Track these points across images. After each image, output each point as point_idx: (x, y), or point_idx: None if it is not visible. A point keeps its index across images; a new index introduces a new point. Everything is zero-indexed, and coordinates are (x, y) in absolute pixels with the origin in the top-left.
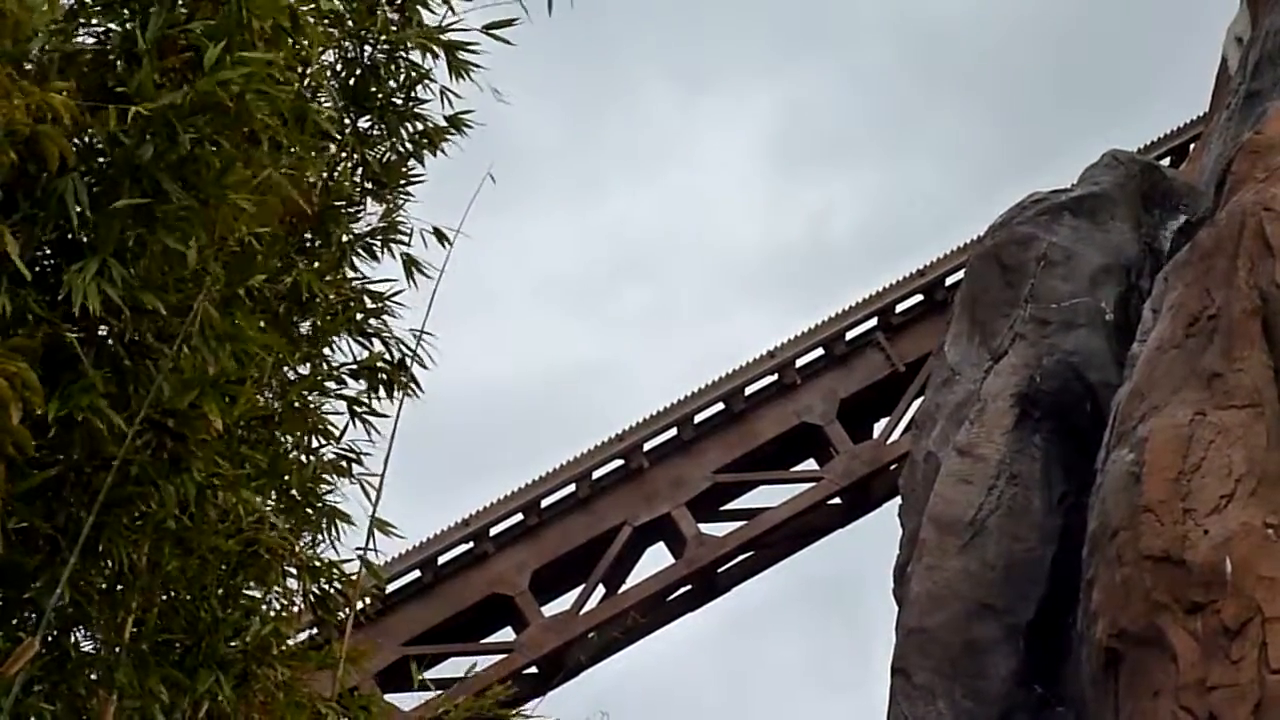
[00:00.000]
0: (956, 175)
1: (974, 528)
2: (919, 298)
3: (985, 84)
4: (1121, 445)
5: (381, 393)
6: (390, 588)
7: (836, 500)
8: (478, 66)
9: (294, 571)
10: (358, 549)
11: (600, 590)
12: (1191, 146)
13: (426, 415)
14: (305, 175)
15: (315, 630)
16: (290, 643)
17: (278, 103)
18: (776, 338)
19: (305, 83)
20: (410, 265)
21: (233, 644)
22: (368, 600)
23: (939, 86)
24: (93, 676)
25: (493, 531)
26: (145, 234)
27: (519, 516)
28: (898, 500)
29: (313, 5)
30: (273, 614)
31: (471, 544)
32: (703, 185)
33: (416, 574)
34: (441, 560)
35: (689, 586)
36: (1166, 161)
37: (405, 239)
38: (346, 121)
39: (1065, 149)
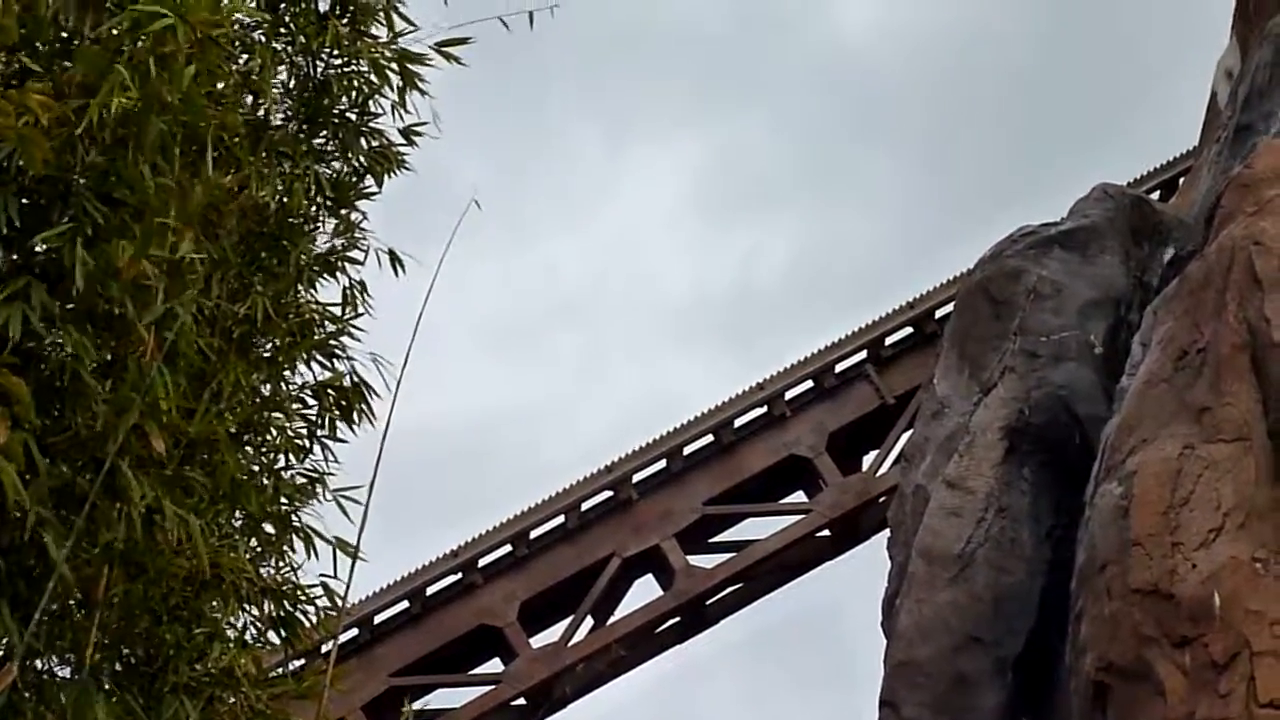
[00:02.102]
0: (884, 221)
1: (963, 560)
2: (908, 330)
3: (913, 131)
4: (1110, 478)
5: (339, 417)
6: (378, 618)
7: (825, 532)
8: (428, 81)
9: (257, 594)
10: (321, 575)
11: (589, 622)
12: (1181, 180)
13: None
14: (259, 193)
15: (302, 660)
16: (254, 669)
17: (226, 119)
18: (706, 382)
19: (258, 100)
20: (358, 290)
21: (196, 668)
22: (353, 630)
23: (866, 133)
24: (47, 705)
25: (481, 562)
26: (72, 253)
27: (508, 548)
28: (886, 533)
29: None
30: (235, 637)
31: (460, 575)
32: (631, 231)
33: (405, 604)
34: (430, 591)
35: (678, 618)
36: (1156, 195)
37: (360, 260)
38: (301, 138)
39: (996, 194)
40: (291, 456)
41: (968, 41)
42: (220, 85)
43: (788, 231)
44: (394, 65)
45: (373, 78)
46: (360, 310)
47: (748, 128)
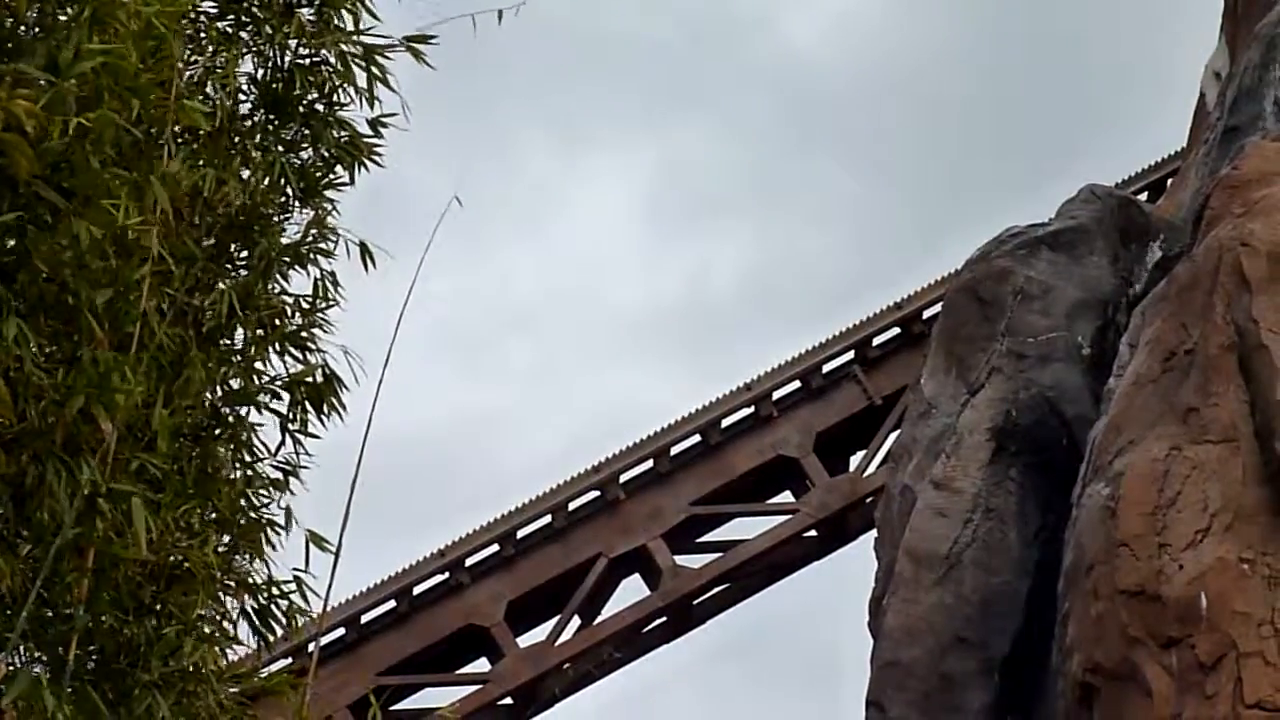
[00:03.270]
0: (835, 232)
1: (949, 561)
2: (896, 331)
3: (862, 140)
4: (1097, 480)
5: (310, 411)
6: (365, 617)
7: (812, 533)
8: (394, 75)
9: (230, 587)
10: (295, 569)
11: (576, 621)
12: (1169, 181)
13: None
14: (225, 186)
15: (289, 659)
16: (221, 665)
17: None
18: (658, 392)
19: (223, 89)
20: (329, 282)
21: (169, 664)
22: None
23: (817, 145)
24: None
25: (468, 562)
26: (23, 245)
27: (495, 547)
28: (873, 533)
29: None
30: (209, 631)
31: (447, 574)
32: (582, 241)
33: (392, 604)
34: (417, 590)
35: (665, 618)
36: (1144, 196)
37: (330, 251)
38: (270, 128)
39: (950, 207)
40: (262, 451)
41: (920, 56)
42: (183, 79)
43: (739, 241)
44: (359, 60)
45: (339, 68)
46: (331, 301)
47: (698, 137)
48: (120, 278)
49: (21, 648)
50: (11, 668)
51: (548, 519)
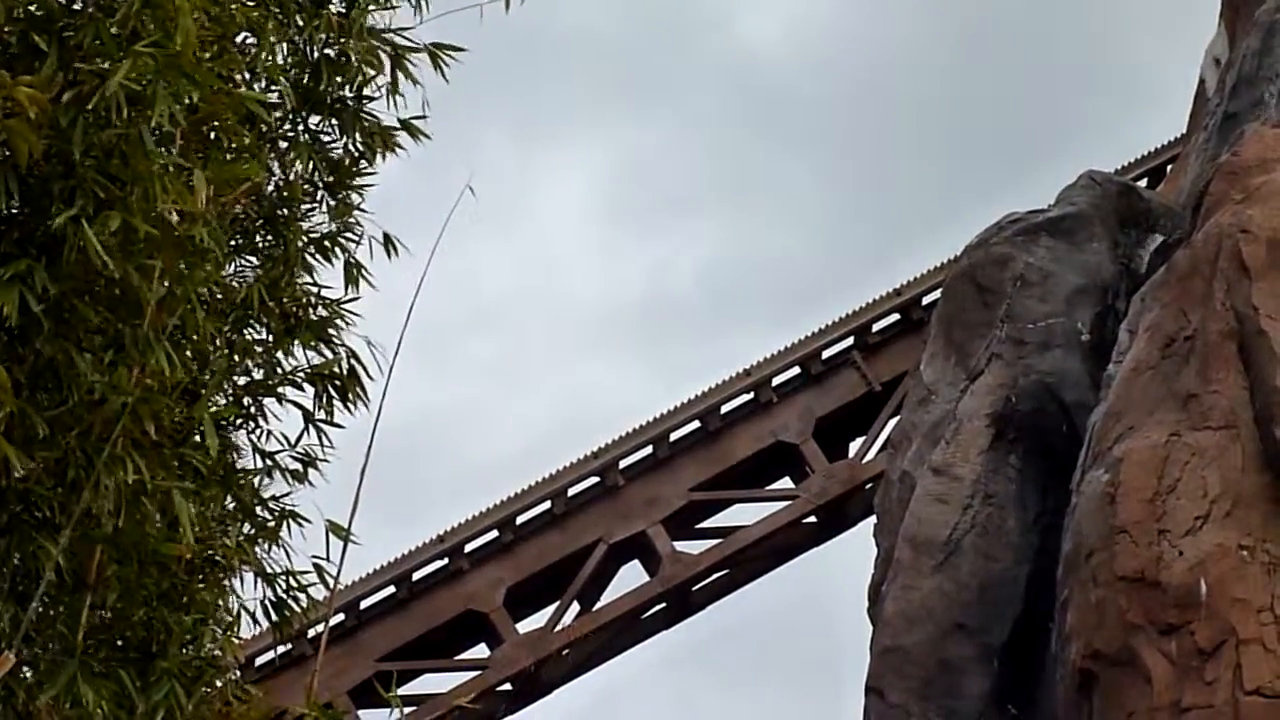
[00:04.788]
0: (797, 229)
1: (949, 547)
2: (895, 317)
3: (821, 139)
4: (1097, 466)
5: (333, 401)
6: (364, 604)
7: (812, 519)
8: (417, 66)
9: (250, 577)
10: (314, 556)
11: (575, 607)
12: (1169, 167)
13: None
14: (256, 176)
15: (290, 645)
16: (237, 655)
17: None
18: (618, 390)
19: (260, 82)
20: (356, 270)
21: (186, 652)
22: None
23: (774, 142)
24: (40, 685)
25: (468, 548)
26: (72, 232)
27: (494, 533)
28: (873, 519)
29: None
30: (229, 622)
31: (446, 560)
32: (542, 237)
33: (391, 590)
34: (416, 576)
35: (664, 604)
36: (1144, 182)
37: (355, 241)
38: (299, 121)
39: (910, 204)
40: (284, 441)
41: (876, 55)
42: (231, 69)
43: (699, 239)
44: (385, 57)
45: (369, 67)
46: (357, 295)
47: (656, 135)
48: (171, 273)
49: (49, 634)
50: (28, 656)
51: (547, 505)
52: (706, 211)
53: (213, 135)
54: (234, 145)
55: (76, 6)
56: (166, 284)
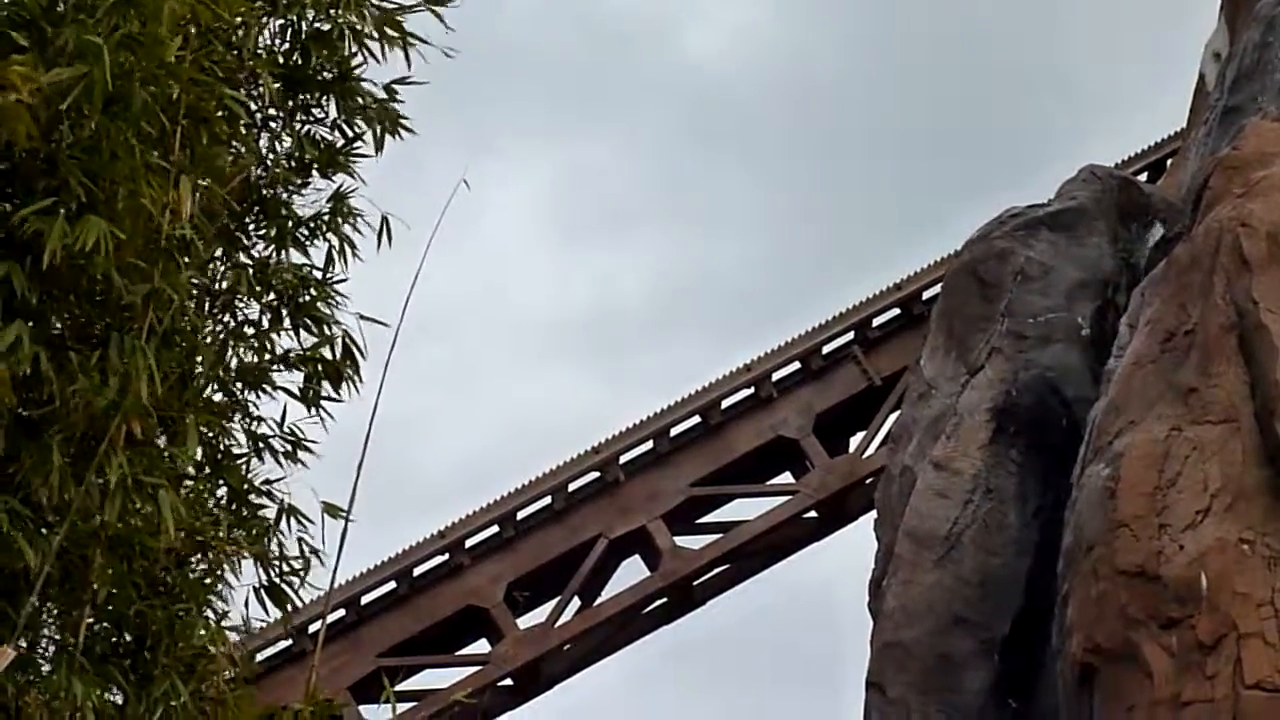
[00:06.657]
0: (742, 241)
1: (949, 542)
2: (896, 312)
3: (767, 151)
4: (1097, 460)
5: (324, 383)
6: (365, 599)
7: (812, 514)
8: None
9: (247, 566)
10: (301, 538)
11: (576, 603)
12: (1169, 161)
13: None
14: (244, 160)
15: (290, 641)
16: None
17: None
18: (571, 399)
19: (243, 62)
20: (345, 247)
21: (180, 646)
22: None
23: (720, 154)
24: (30, 679)
25: (468, 543)
26: (52, 230)
27: (495, 528)
28: (873, 514)
29: None
30: (223, 610)
31: (447, 556)
32: (488, 248)
33: (392, 585)
34: (417, 572)
35: (664, 599)
36: (1144, 176)
37: (350, 222)
38: (288, 100)
39: (860, 217)
40: (273, 427)
41: (819, 67)
42: (213, 59)
43: (647, 250)
44: (373, 31)
45: (364, 37)
46: (345, 275)
47: (602, 148)
48: (157, 275)
49: (43, 631)
50: (20, 652)
51: (547, 500)
52: (654, 223)
53: (197, 128)
54: (219, 133)
55: (60, 9)
56: (151, 284)
